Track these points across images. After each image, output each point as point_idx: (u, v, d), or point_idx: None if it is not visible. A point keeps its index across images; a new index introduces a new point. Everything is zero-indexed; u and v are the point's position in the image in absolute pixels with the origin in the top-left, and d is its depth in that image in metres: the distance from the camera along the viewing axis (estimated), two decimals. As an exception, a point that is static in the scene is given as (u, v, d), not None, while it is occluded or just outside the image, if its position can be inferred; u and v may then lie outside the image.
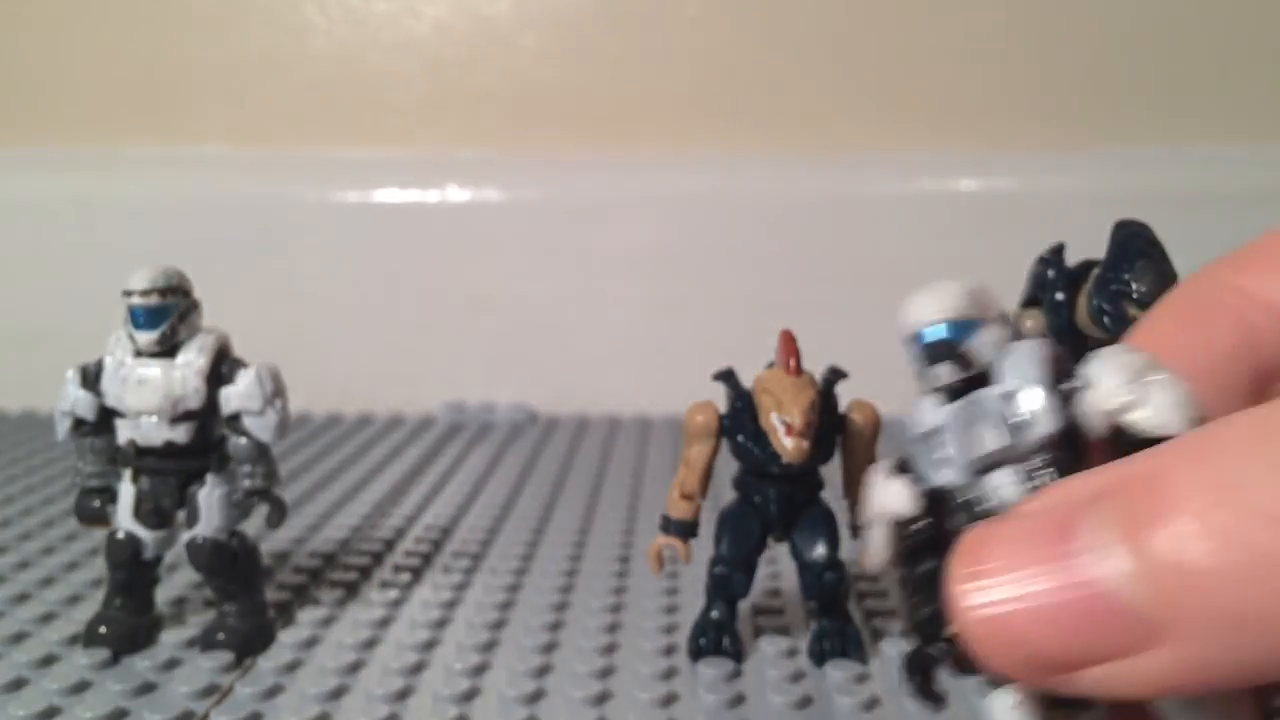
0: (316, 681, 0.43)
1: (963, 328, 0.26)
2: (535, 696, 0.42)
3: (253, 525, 0.48)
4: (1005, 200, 0.90)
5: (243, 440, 0.46)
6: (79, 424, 0.46)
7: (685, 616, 0.48)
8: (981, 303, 0.26)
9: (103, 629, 0.45)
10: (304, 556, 0.57)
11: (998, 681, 0.24)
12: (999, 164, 0.91)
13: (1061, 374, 0.25)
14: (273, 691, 0.42)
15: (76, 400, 0.45)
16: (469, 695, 0.42)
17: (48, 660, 0.45)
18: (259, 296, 0.90)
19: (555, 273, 0.93)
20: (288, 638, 0.47)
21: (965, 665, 0.24)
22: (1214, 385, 0.27)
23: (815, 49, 0.93)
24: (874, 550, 0.27)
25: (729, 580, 0.44)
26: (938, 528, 0.26)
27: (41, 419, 0.90)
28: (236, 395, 0.45)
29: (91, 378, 0.45)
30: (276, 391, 0.46)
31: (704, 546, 0.45)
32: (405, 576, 0.54)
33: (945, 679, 0.26)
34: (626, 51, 0.94)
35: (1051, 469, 0.24)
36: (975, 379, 0.25)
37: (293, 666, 0.45)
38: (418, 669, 0.44)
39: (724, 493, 0.47)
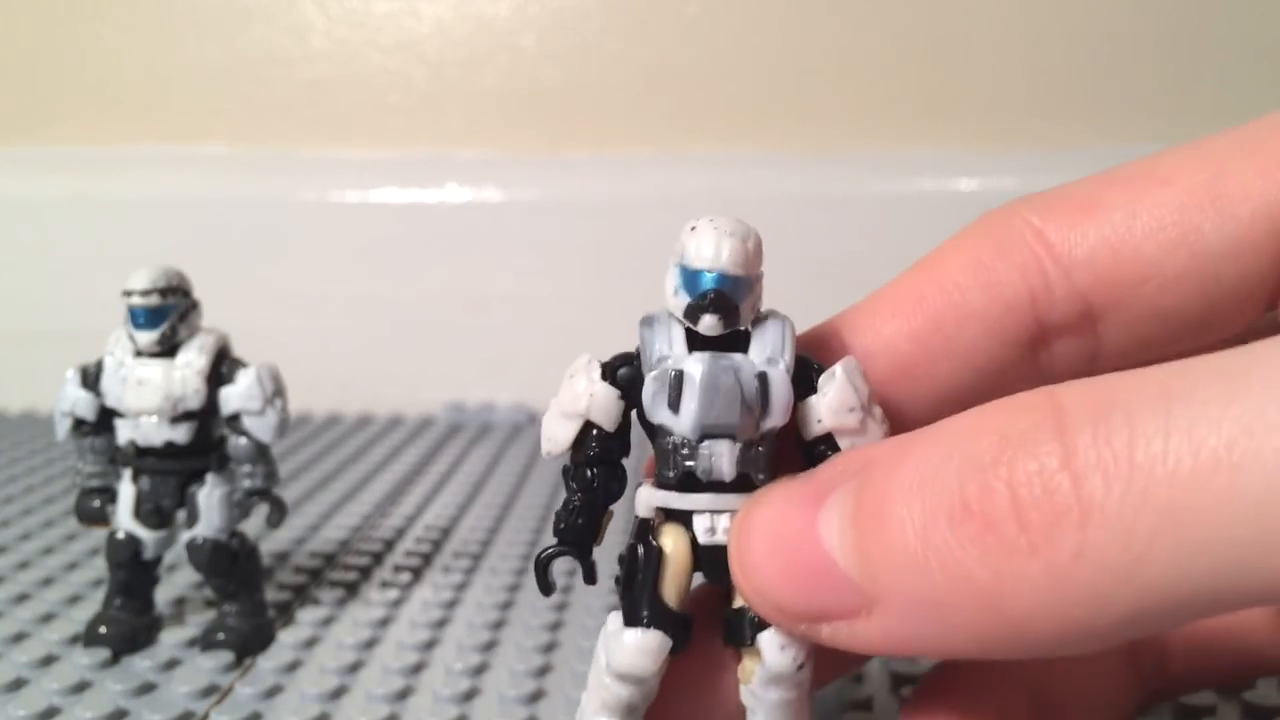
0: (316, 681, 0.43)
1: (742, 285, 0.26)
2: (535, 696, 0.42)
3: (253, 525, 0.48)
4: (1005, 200, 0.89)
5: (243, 440, 0.46)
6: (79, 424, 0.46)
7: (685, 616, 0.48)
8: (758, 259, 0.26)
9: (103, 629, 0.45)
10: (304, 556, 0.57)
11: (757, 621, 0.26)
12: (999, 164, 0.91)
13: (802, 365, 0.26)
14: (273, 691, 0.42)
15: (76, 400, 0.45)
16: (469, 695, 0.42)
17: (48, 660, 0.45)
18: (259, 296, 0.90)
19: (555, 273, 0.92)
20: (288, 638, 0.47)
21: (593, 577, 0.29)
22: (991, 330, 0.28)
23: (815, 49, 0.93)
24: (555, 440, 0.28)
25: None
26: (623, 447, 0.27)
27: (41, 419, 0.90)
28: (236, 395, 0.45)
29: (91, 378, 0.45)
30: (276, 391, 0.46)
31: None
32: (405, 576, 0.54)
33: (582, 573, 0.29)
34: (626, 51, 0.94)
35: (766, 455, 0.26)
36: (729, 335, 0.26)
37: (293, 666, 0.45)
38: (418, 669, 0.44)
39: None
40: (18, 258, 0.94)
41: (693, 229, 0.26)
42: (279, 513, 0.47)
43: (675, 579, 0.26)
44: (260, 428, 0.45)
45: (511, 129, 0.94)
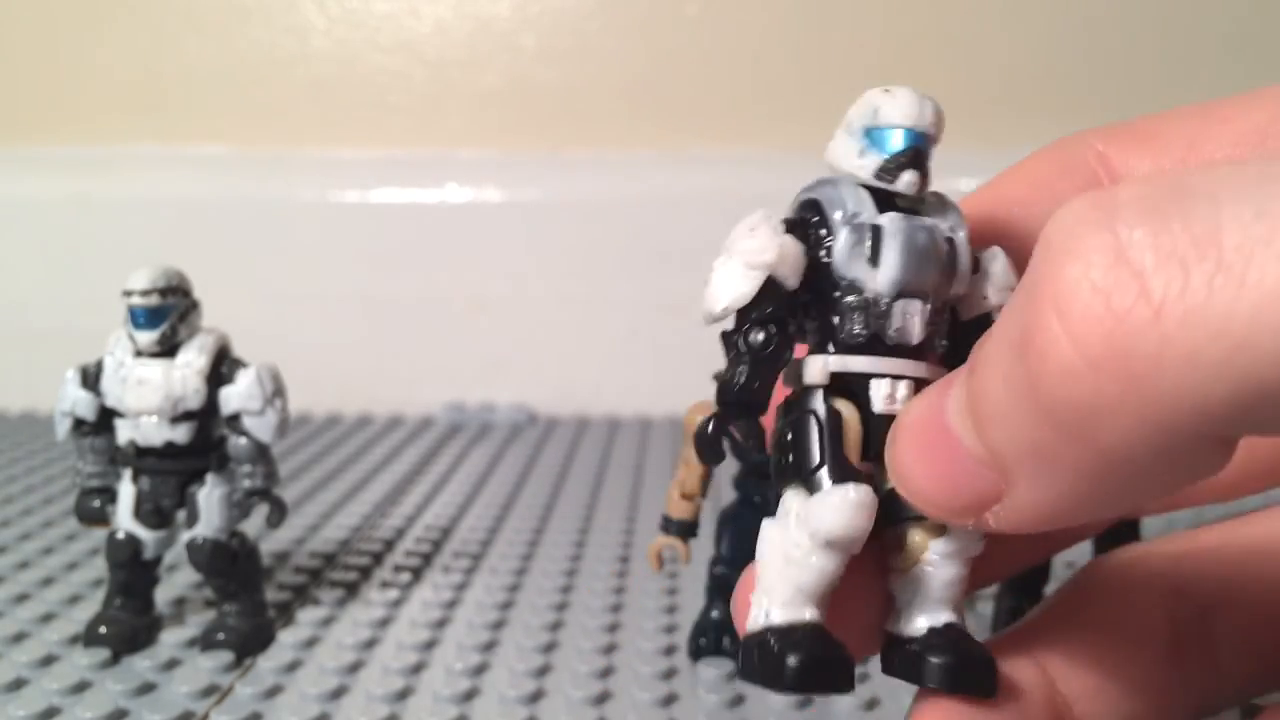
0: (316, 681, 0.43)
1: (931, 149, 0.25)
2: (535, 696, 0.42)
3: (253, 525, 0.48)
4: (1005, 200, 0.90)
5: (243, 440, 0.46)
6: (79, 424, 0.46)
7: (685, 616, 0.48)
8: (942, 132, 0.26)
9: (103, 629, 0.45)
10: (304, 556, 0.57)
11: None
12: (999, 164, 0.91)
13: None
14: (273, 691, 0.42)
15: (76, 400, 0.45)
16: (469, 695, 0.42)
17: (48, 660, 0.45)
18: (259, 296, 0.90)
19: (555, 273, 0.92)
20: (288, 638, 0.47)
21: (761, 438, 0.26)
22: None
23: (814, 49, 0.93)
24: (734, 293, 0.25)
25: (729, 580, 0.44)
26: (796, 308, 0.25)
27: (41, 419, 0.90)
28: (236, 395, 0.45)
29: (91, 378, 0.45)
30: (276, 391, 0.46)
31: (704, 546, 0.45)
32: (405, 576, 0.54)
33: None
34: (626, 51, 0.94)
35: (948, 320, 0.25)
36: (912, 200, 0.25)
37: (293, 666, 0.45)
38: (418, 669, 0.44)
39: (724, 493, 0.47)
40: (18, 258, 0.94)
41: (886, 91, 0.26)
42: (279, 513, 0.47)
43: (852, 448, 0.24)
44: (260, 428, 0.45)
45: (511, 129, 0.94)
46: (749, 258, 0.25)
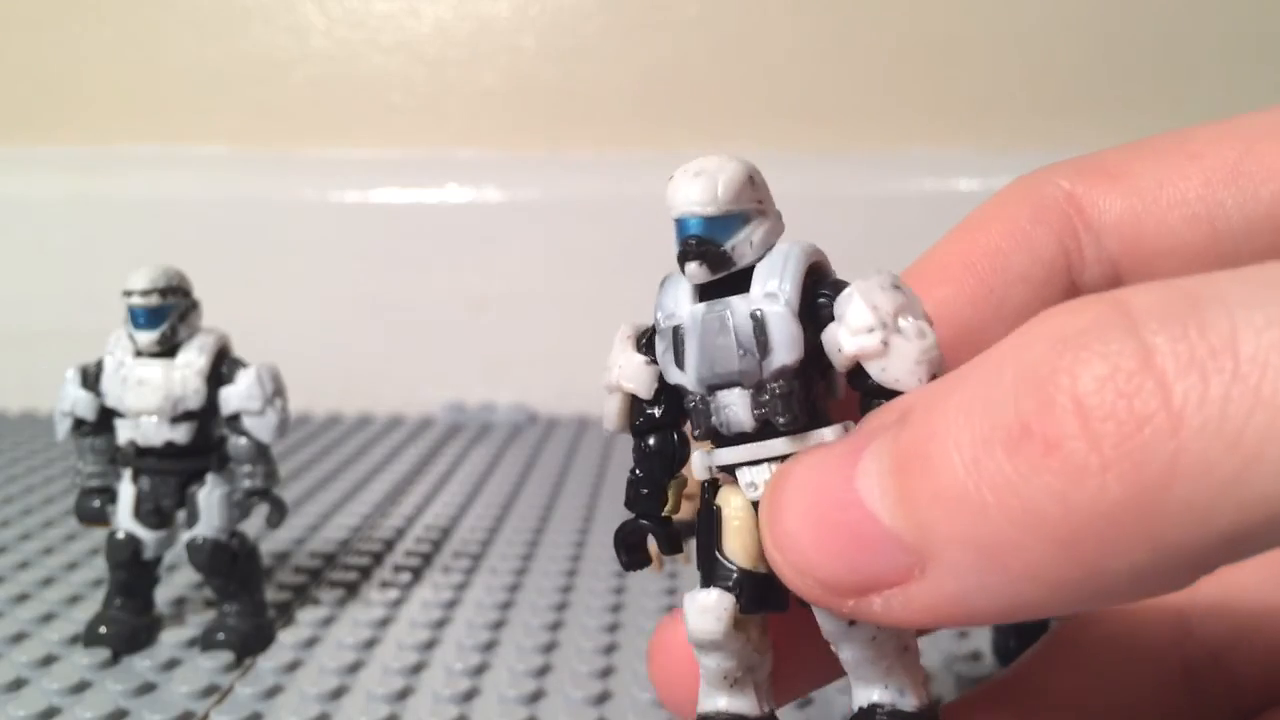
0: (316, 681, 0.43)
1: (727, 223, 0.24)
2: (535, 696, 0.42)
3: (253, 525, 0.48)
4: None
5: (243, 440, 0.46)
6: (79, 424, 0.46)
7: (685, 616, 0.48)
8: (741, 193, 0.25)
9: (103, 629, 0.45)
10: (304, 556, 0.57)
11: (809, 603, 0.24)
12: (999, 164, 0.91)
13: (816, 290, 0.24)
14: (273, 691, 0.42)
15: (76, 400, 0.45)
16: (469, 695, 0.42)
17: (48, 660, 0.45)
18: (259, 296, 0.90)
19: (555, 273, 0.92)
20: (288, 638, 0.47)
21: (674, 544, 0.26)
22: (1036, 293, 0.28)
23: (814, 49, 0.93)
24: (607, 416, 0.26)
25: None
26: (669, 412, 0.26)
27: (41, 419, 0.90)
28: (236, 395, 0.45)
29: (91, 378, 0.45)
30: (276, 391, 0.46)
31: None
32: (405, 576, 0.54)
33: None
34: (626, 51, 0.94)
35: (783, 397, 0.23)
36: (730, 276, 0.24)
37: (293, 666, 0.45)
38: (418, 669, 0.44)
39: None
40: (18, 258, 0.94)
41: (670, 177, 0.25)
42: (279, 513, 0.47)
43: (738, 535, 0.24)
44: (260, 428, 0.45)
45: (511, 129, 0.95)
46: (605, 380, 0.26)
